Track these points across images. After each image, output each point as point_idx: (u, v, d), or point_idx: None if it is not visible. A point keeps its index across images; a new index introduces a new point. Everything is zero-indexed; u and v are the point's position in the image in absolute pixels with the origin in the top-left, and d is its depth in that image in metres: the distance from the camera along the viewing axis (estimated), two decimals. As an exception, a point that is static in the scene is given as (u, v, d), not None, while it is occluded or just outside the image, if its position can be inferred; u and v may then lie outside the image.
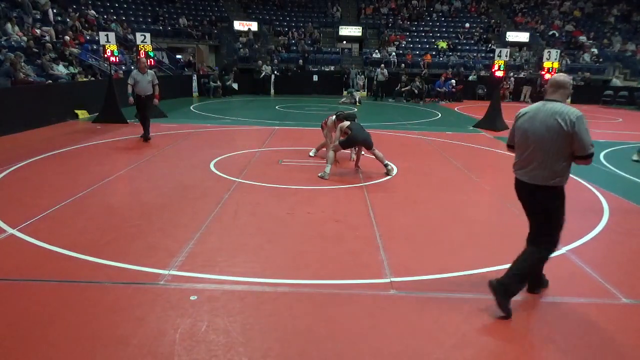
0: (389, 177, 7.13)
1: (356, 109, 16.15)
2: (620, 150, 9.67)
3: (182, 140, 9.66)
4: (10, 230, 4.51)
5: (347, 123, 7.32)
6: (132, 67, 17.24)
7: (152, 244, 4.38)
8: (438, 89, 20.56)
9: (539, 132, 3.22)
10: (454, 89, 20.59)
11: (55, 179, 6.48)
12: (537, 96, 21.41)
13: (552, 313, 3.35)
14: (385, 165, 7.25)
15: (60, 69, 13.38)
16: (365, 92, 22.23)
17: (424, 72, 22.43)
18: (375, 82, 21.32)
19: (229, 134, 10.82)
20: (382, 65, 21.77)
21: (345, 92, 20.24)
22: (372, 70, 22.09)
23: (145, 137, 9.38)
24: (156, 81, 9.38)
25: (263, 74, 21.38)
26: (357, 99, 18.74)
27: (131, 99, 9.33)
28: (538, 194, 3.32)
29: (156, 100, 9.49)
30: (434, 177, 7.31)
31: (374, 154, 7.27)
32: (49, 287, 3.50)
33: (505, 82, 21.08)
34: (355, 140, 7.12)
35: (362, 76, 22.33)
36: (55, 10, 17.47)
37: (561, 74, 3.57)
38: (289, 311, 3.26)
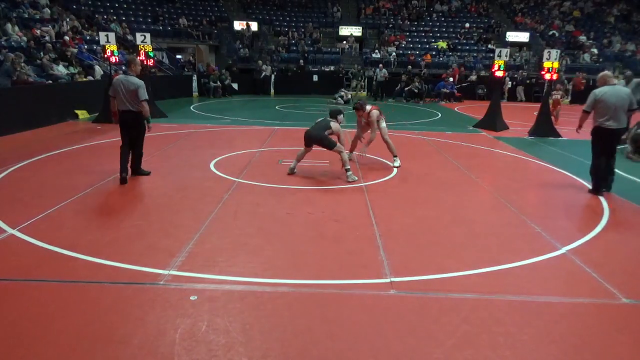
0: (387, 177, 7.12)
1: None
2: (620, 150, 9.66)
3: (182, 140, 9.66)
4: (10, 230, 4.51)
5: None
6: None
7: (152, 244, 4.38)
8: (444, 90, 20.54)
9: (619, 100, 6.14)
10: (447, 90, 20.58)
11: (55, 179, 6.48)
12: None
13: (552, 313, 3.34)
14: (346, 169, 6.76)
15: (60, 69, 13.38)
16: (365, 92, 22.26)
17: (423, 72, 22.42)
18: (374, 82, 21.33)
19: (229, 134, 10.82)
20: (381, 65, 21.77)
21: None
22: (373, 70, 22.11)
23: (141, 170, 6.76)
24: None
25: (263, 74, 21.39)
26: (347, 99, 18.75)
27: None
28: (617, 131, 6.26)
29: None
30: (434, 177, 7.31)
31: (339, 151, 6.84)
32: (49, 287, 3.50)
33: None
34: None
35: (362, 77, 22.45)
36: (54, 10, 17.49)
37: (605, 71, 6.79)
38: (289, 311, 3.26)
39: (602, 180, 6.42)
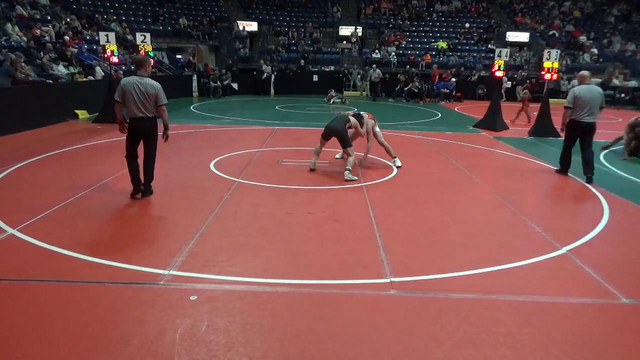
0: (387, 177, 7.13)
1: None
2: (620, 150, 9.68)
3: (182, 140, 9.65)
4: (10, 230, 4.51)
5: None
6: (133, 67, 17.25)
7: (152, 244, 4.38)
8: (444, 90, 20.55)
9: (594, 98, 6.98)
10: (446, 90, 20.59)
11: (55, 179, 6.48)
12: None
13: (552, 313, 3.35)
14: (346, 169, 6.92)
15: (60, 69, 13.38)
16: (366, 92, 22.25)
17: (412, 70, 22.25)
18: (369, 82, 21.31)
19: (229, 134, 10.82)
20: (374, 65, 21.71)
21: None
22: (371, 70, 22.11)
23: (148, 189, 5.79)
24: None
25: (265, 75, 21.39)
26: (337, 99, 18.88)
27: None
28: (593, 125, 7.09)
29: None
30: (434, 177, 7.31)
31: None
32: (49, 287, 3.50)
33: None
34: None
35: (359, 76, 22.46)
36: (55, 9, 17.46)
37: (583, 71, 7.65)
38: (289, 311, 3.26)
39: (569, 165, 7.51)
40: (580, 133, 7.15)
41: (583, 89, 7.04)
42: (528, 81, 21.36)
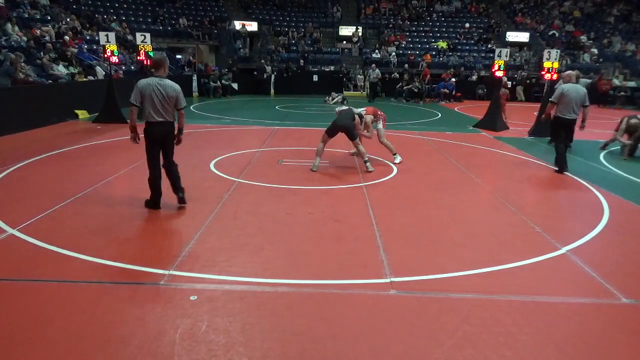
0: (387, 177, 7.13)
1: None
2: (619, 150, 9.68)
3: (183, 140, 9.63)
4: (10, 230, 4.51)
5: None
6: (133, 67, 17.23)
7: (152, 244, 4.38)
8: (444, 90, 20.57)
9: (578, 96, 7.45)
10: (446, 90, 20.60)
11: (55, 178, 6.48)
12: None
13: (552, 313, 3.34)
14: (365, 162, 7.37)
15: (60, 69, 13.38)
16: (366, 92, 22.26)
17: (406, 71, 22.23)
18: (367, 82, 21.33)
19: (229, 134, 10.82)
20: (374, 65, 21.70)
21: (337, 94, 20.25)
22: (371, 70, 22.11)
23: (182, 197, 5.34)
24: None
25: (265, 75, 21.38)
26: (332, 100, 18.96)
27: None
28: (574, 121, 7.62)
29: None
30: (434, 177, 7.31)
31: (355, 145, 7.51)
32: (49, 287, 3.50)
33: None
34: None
35: (361, 76, 22.44)
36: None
37: (570, 71, 8.34)
38: (289, 311, 3.26)
39: (565, 161, 7.72)
40: (564, 127, 7.73)
41: (570, 88, 7.53)
42: (506, 81, 21.32)
